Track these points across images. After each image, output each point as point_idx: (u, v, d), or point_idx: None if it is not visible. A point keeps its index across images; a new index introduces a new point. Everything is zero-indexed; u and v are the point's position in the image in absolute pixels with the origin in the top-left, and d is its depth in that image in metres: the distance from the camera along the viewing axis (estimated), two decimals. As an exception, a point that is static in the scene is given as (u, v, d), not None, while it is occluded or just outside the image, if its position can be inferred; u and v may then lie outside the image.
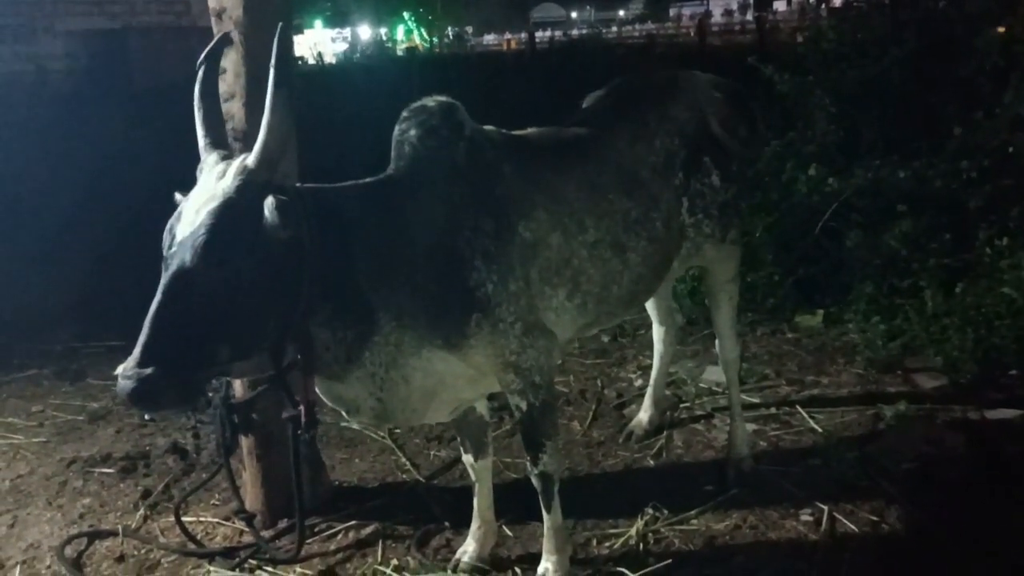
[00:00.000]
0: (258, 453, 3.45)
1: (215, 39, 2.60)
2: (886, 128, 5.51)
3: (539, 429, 2.76)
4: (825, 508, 3.22)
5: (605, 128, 3.07)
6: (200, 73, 2.44)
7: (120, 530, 3.52)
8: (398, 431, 4.15)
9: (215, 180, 2.16)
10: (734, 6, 69.25)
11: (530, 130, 3.01)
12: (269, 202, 2.12)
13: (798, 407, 4.03)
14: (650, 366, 4.60)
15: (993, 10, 6.00)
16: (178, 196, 2.33)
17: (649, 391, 3.99)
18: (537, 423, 2.75)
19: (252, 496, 3.50)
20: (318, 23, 53.48)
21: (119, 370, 2.01)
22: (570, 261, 2.78)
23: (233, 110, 3.06)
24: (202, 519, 3.59)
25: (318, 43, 51.34)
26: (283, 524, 3.48)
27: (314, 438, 2.98)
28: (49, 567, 3.34)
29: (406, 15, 49.48)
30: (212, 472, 3.68)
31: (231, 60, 3.04)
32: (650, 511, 3.28)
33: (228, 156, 2.28)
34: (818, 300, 5.24)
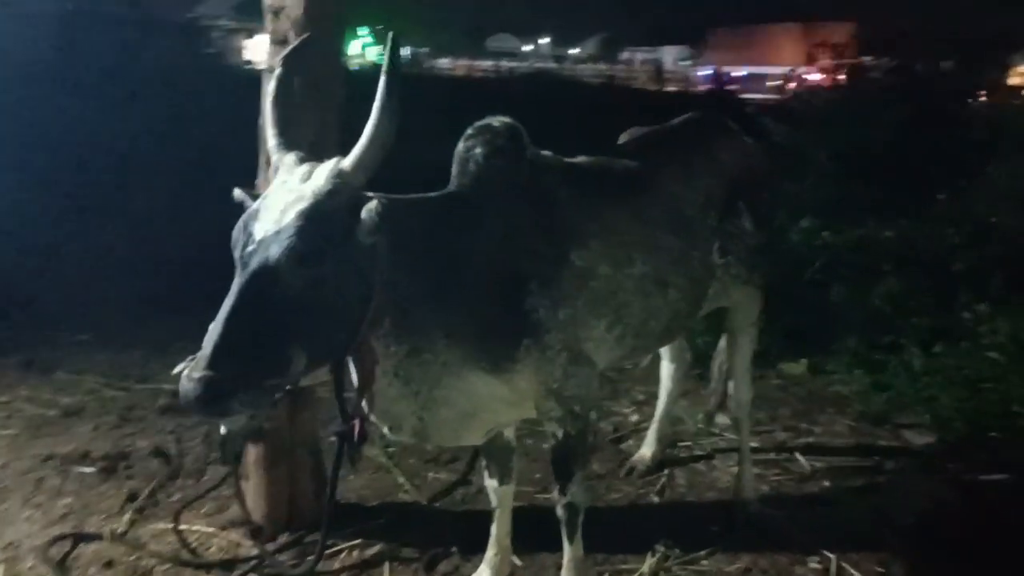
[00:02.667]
0: (265, 464, 3.33)
1: (297, 41, 2.51)
2: (875, 187, 5.67)
3: (572, 459, 2.73)
4: (833, 557, 3.25)
5: (653, 164, 3.09)
6: (276, 74, 2.38)
7: (107, 534, 3.36)
8: (391, 448, 4.06)
9: (299, 181, 2.09)
10: (685, 55, 70.94)
11: (580, 158, 3.01)
12: (372, 206, 2.07)
13: (797, 454, 4.07)
14: (643, 401, 4.66)
15: (978, 84, 6.27)
16: (238, 192, 2.25)
17: (653, 427, 3.99)
18: (571, 453, 2.72)
19: (253, 507, 3.37)
20: (272, 30, 52.67)
21: (182, 371, 1.90)
22: (616, 293, 2.78)
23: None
24: (195, 528, 3.45)
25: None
26: (284, 538, 3.36)
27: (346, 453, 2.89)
28: (32, 568, 3.16)
29: (365, 30, 49.33)
30: (220, 479, 3.54)
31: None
32: (661, 549, 3.26)
33: (306, 158, 2.22)
34: (801, 349, 5.33)
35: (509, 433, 3.02)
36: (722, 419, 4.35)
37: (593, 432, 2.83)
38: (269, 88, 2.37)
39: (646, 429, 4.28)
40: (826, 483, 3.83)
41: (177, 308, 5.84)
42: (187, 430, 4.33)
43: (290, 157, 2.19)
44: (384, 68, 2.10)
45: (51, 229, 7.04)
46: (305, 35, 2.49)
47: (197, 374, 1.86)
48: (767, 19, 51.77)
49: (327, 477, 3.58)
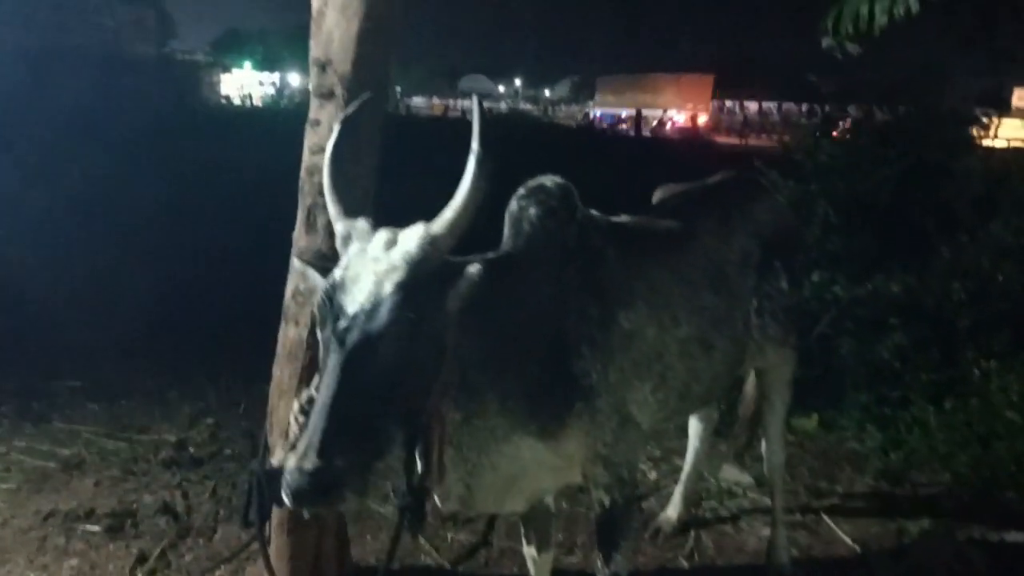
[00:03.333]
0: (290, 527, 3.20)
1: (359, 100, 2.43)
2: (880, 241, 5.69)
3: (618, 528, 2.66)
4: (871, 623, 3.19)
5: (694, 223, 3.07)
6: (334, 137, 2.32)
7: (121, 600, 3.21)
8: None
9: (382, 248, 2.02)
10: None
11: (623, 217, 2.97)
12: (474, 270, 2.03)
13: (824, 516, 4.02)
14: (661, 458, 4.58)
15: (971, 138, 6.35)
16: (298, 264, 2.18)
17: (679, 488, 3.92)
18: (618, 521, 2.65)
19: (276, 571, 3.23)
20: (247, 65, 52.93)
21: (287, 463, 1.79)
22: (661, 355, 2.74)
23: (322, 164, 2.91)
24: (211, 594, 3.31)
25: (246, 84, 50.90)
26: (307, 605, 3.23)
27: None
28: (43, 639, 3.00)
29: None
30: (244, 543, 3.40)
31: (327, 113, 2.91)
32: (698, 616, 3.18)
33: (377, 223, 2.14)
34: (810, 403, 5.30)
35: (549, 499, 2.94)
36: (744, 478, 4.30)
37: (637, 499, 2.76)
38: (327, 148, 2.31)
39: (666, 487, 4.22)
40: (855, 546, 3.78)
41: (167, 355, 5.75)
42: (193, 484, 4.19)
43: (362, 224, 2.12)
44: (475, 131, 2.06)
45: (32, 272, 6.88)
46: (366, 95, 2.42)
47: (308, 466, 1.77)
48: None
49: (347, 537, 3.51)
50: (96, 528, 3.73)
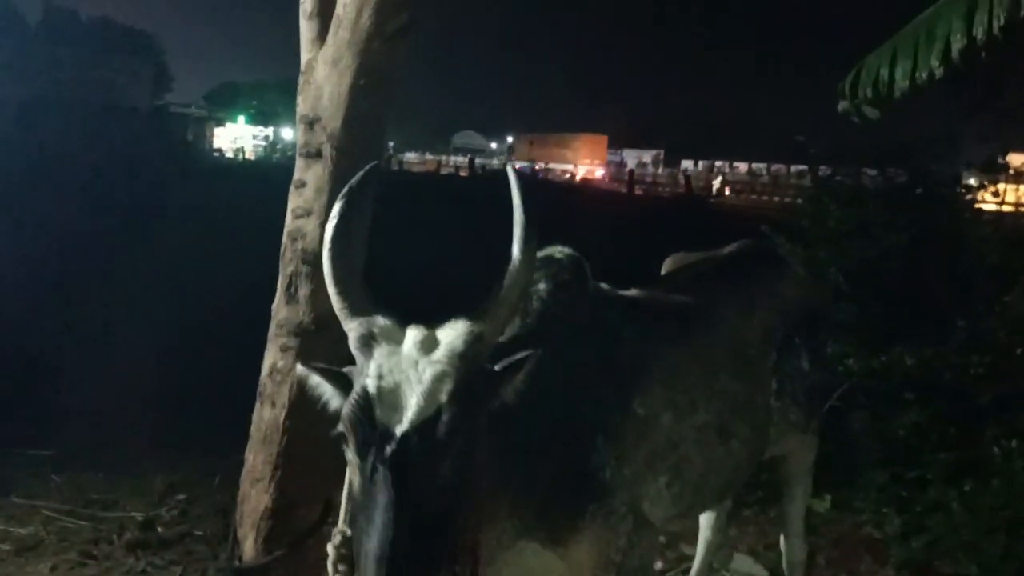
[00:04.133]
0: (261, 632, 2.87)
1: (361, 173, 2.11)
2: (893, 311, 5.46)
3: None
4: None
5: (711, 298, 2.82)
6: (336, 215, 1.98)
7: None
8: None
9: (419, 351, 1.73)
10: (647, 159, 72.80)
11: (635, 291, 2.72)
12: (535, 355, 1.81)
13: (847, 614, 3.70)
14: (666, 544, 4.26)
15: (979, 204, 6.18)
16: (302, 370, 1.89)
17: (690, 582, 3.60)
18: None
19: None
20: (241, 119, 53.28)
21: None
22: (677, 445, 2.48)
23: (307, 228, 2.67)
24: None
25: (239, 138, 51.18)
26: None
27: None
28: None
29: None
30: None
31: (314, 173, 2.67)
32: None
33: (401, 319, 1.86)
34: (823, 482, 5.00)
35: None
36: (758, 570, 4.00)
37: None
38: (328, 230, 1.97)
39: (673, 579, 3.91)
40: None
41: (141, 421, 5.40)
42: (158, 571, 3.84)
43: (385, 321, 1.82)
44: (518, 210, 1.83)
45: (2, 329, 6.56)
46: (372, 164, 2.14)
47: None
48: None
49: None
50: (49, 622, 3.38)
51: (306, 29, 2.68)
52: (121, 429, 5.31)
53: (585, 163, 63.18)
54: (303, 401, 2.68)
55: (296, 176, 2.71)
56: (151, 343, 6.57)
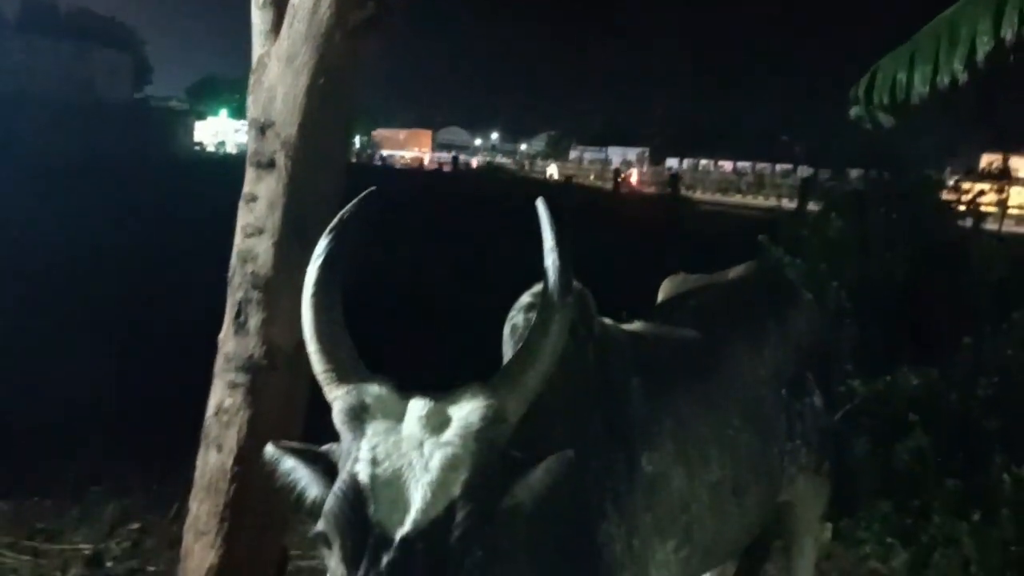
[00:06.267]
0: None
1: (351, 205, 1.72)
2: (896, 329, 5.18)
3: None
4: None
5: (722, 334, 2.51)
6: (319, 258, 1.62)
7: None
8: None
9: (426, 428, 1.40)
10: (631, 157, 72.64)
11: (639, 324, 2.40)
12: (566, 458, 1.47)
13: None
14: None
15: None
16: (272, 451, 1.53)
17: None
18: None
19: None
20: (223, 112, 52.80)
21: None
22: (689, 505, 2.16)
23: (258, 249, 2.33)
24: None
25: (220, 132, 50.71)
26: None
27: None
28: None
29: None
30: None
31: (267, 186, 2.33)
32: None
33: (403, 389, 1.52)
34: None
35: None
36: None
37: None
38: (310, 273, 1.61)
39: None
40: None
41: (94, 444, 5.01)
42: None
43: (380, 390, 1.48)
44: (553, 259, 1.54)
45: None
46: (363, 195, 1.74)
47: None
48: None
49: None
50: None
51: (258, 20, 2.34)
52: (73, 451, 4.93)
53: (414, 151, 74.02)
54: (254, 444, 2.35)
55: (246, 189, 2.37)
56: (112, 355, 6.19)
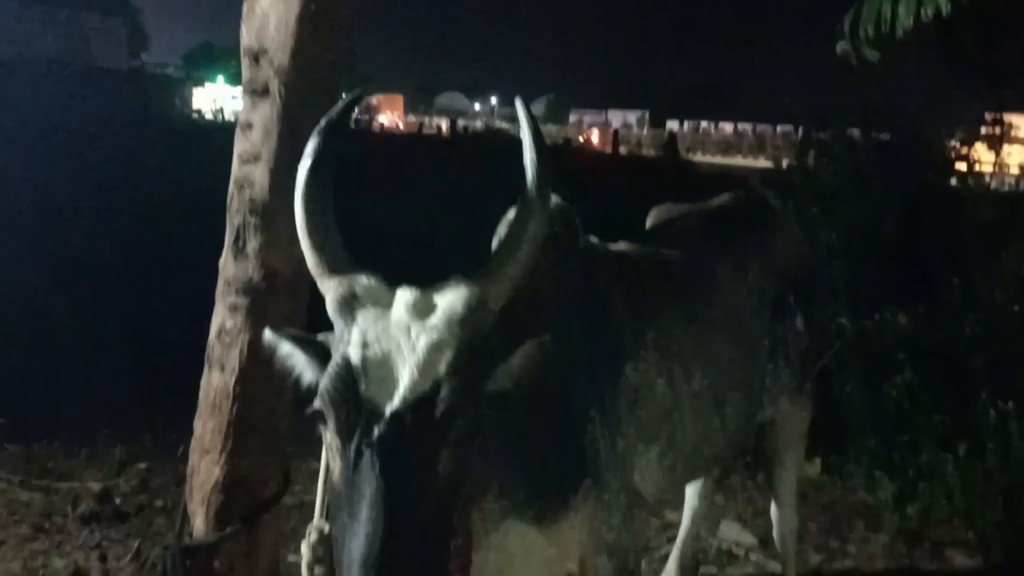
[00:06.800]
0: (213, 611, 2.66)
1: (337, 106, 1.81)
2: (886, 270, 5.27)
3: None
4: None
5: (704, 255, 2.60)
6: (309, 157, 1.70)
7: None
8: None
9: (413, 315, 1.48)
10: (631, 120, 72.35)
11: (624, 244, 2.49)
12: (543, 344, 1.57)
13: (839, 584, 3.55)
14: (651, 514, 4.08)
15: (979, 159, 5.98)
16: (270, 336, 1.65)
17: (675, 553, 3.42)
18: None
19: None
20: (220, 79, 52.46)
21: None
22: (671, 414, 2.26)
23: (255, 175, 2.41)
24: None
25: (219, 99, 50.46)
26: None
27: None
28: None
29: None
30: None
31: (262, 113, 2.40)
32: None
33: (391, 280, 1.60)
34: (812, 446, 4.82)
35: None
36: (746, 537, 3.82)
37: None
38: (301, 171, 1.70)
39: (657, 547, 3.73)
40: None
41: (102, 389, 5.12)
42: (115, 544, 3.66)
43: (369, 281, 1.56)
44: (531, 155, 1.60)
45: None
46: (349, 98, 1.84)
47: None
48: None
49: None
50: (-9, 602, 3.16)
51: (251, -50, 2.41)
52: (80, 397, 5.04)
53: (386, 115, 73.29)
54: (255, 365, 2.45)
55: (242, 117, 2.44)
56: (116, 307, 6.30)
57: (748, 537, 3.84)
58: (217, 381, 2.53)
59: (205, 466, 2.57)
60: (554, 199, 2.10)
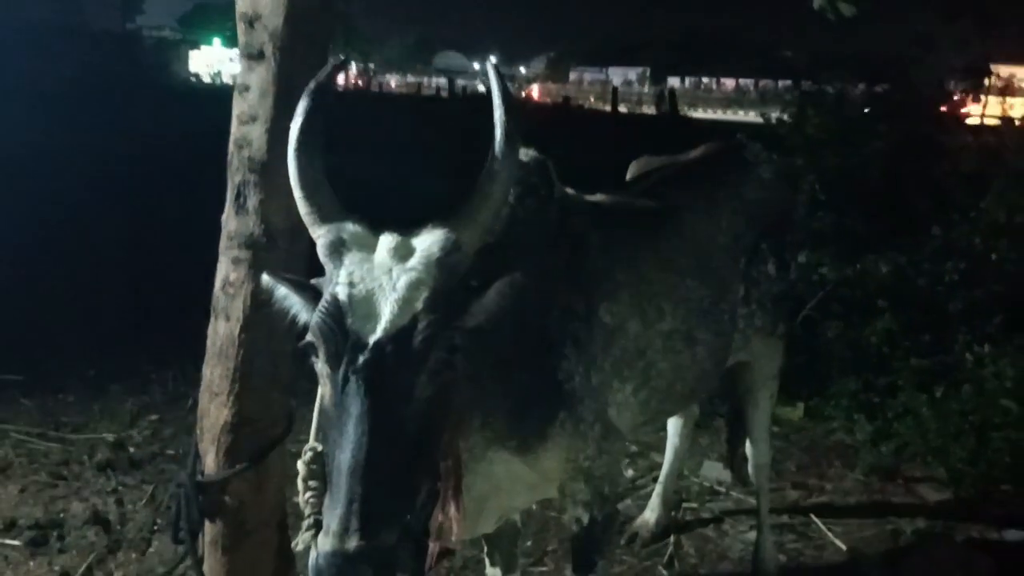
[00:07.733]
0: (225, 545, 2.85)
1: (324, 69, 1.98)
2: (870, 219, 5.41)
3: (596, 546, 2.37)
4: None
5: (678, 204, 2.75)
6: (300, 115, 1.86)
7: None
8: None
9: (393, 258, 1.64)
10: (632, 76, 71.78)
11: (600, 195, 2.65)
12: (514, 280, 1.70)
13: (813, 517, 3.74)
14: (636, 453, 4.29)
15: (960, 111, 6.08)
16: (268, 279, 1.82)
17: (658, 489, 3.62)
18: (596, 540, 2.36)
19: (210, 593, 2.89)
20: (217, 41, 51.95)
21: (320, 546, 1.44)
22: (644, 352, 2.44)
23: (252, 135, 2.55)
24: (140, 617, 2.97)
25: (216, 62, 50.02)
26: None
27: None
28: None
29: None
30: (178, 559, 3.05)
31: (258, 76, 2.54)
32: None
33: (369, 224, 1.76)
34: (795, 391, 5.02)
35: (517, 516, 2.63)
36: (727, 475, 4.01)
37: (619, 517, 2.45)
38: (293, 129, 1.86)
39: (643, 486, 3.94)
40: (844, 549, 3.51)
41: (113, 345, 5.33)
42: (130, 490, 3.85)
43: (355, 228, 1.72)
44: (499, 111, 1.73)
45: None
46: (332, 64, 2.01)
47: (351, 547, 1.41)
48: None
49: (292, 555, 3.16)
50: (16, 542, 3.37)
51: (243, -83, 2.53)
52: (93, 351, 5.24)
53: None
54: (258, 314, 2.61)
55: (239, 80, 2.58)
56: (124, 265, 6.49)
57: (728, 476, 4.03)
58: (223, 330, 2.70)
59: (214, 409, 2.74)
60: (531, 153, 2.27)
